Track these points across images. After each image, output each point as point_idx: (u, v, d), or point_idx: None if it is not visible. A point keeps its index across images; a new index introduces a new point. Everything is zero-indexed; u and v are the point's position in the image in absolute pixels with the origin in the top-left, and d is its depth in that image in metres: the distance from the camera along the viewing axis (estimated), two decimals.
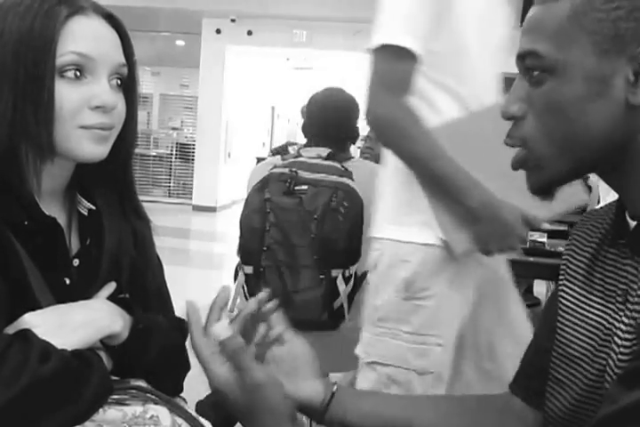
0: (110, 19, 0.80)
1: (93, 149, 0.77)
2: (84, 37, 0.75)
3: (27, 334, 0.69)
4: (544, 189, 0.67)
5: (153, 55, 9.39)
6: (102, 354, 0.77)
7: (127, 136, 0.84)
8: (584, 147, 0.62)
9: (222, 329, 0.73)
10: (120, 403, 0.86)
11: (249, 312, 0.79)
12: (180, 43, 9.91)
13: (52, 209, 0.81)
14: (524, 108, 0.65)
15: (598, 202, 4.42)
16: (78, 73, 0.75)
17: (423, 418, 0.82)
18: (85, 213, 0.85)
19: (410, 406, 0.86)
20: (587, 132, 0.62)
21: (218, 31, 8.32)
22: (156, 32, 9.34)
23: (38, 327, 0.71)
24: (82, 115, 0.75)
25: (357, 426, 0.80)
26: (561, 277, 0.78)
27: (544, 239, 2.52)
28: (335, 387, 0.82)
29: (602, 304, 0.70)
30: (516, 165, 0.68)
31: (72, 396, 0.69)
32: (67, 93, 0.74)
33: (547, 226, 3.97)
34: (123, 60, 0.80)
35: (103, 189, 0.86)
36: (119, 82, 0.80)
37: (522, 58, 0.65)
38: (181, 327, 0.89)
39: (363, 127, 2.78)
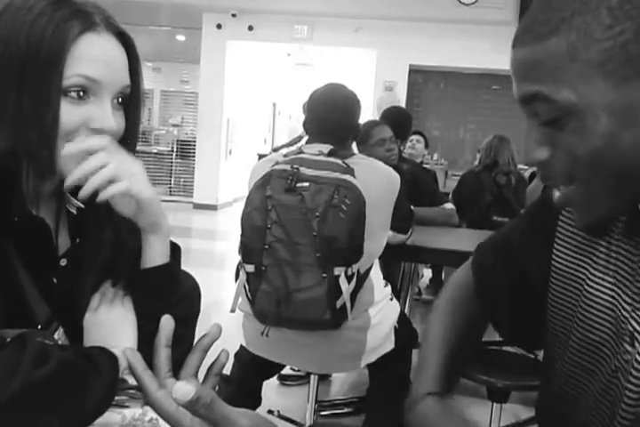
0: (121, 36, 0.78)
1: None
2: (92, 60, 0.73)
3: (23, 337, 0.67)
4: (595, 227, 0.65)
5: (153, 50, 9.37)
6: (117, 352, 0.74)
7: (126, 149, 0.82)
8: (627, 178, 0.59)
9: (185, 389, 0.60)
10: (119, 405, 0.85)
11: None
12: (180, 38, 9.88)
13: (40, 207, 0.80)
14: (547, 151, 0.62)
15: None
16: (82, 93, 0.73)
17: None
18: (74, 212, 0.84)
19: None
20: (625, 163, 0.58)
21: (218, 26, 8.30)
22: (156, 26, 9.32)
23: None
24: (77, 133, 0.74)
25: None
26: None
27: None
28: None
29: (613, 291, 0.68)
30: (563, 204, 0.65)
31: (70, 402, 0.67)
32: (68, 113, 0.73)
33: None
34: (128, 81, 0.78)
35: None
36: (121, 99, 0.78)
37: (527, 102, 0.61)
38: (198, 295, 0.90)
39: (377, 132, 2.74)
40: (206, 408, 0.61)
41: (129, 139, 0.81)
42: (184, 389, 0.60)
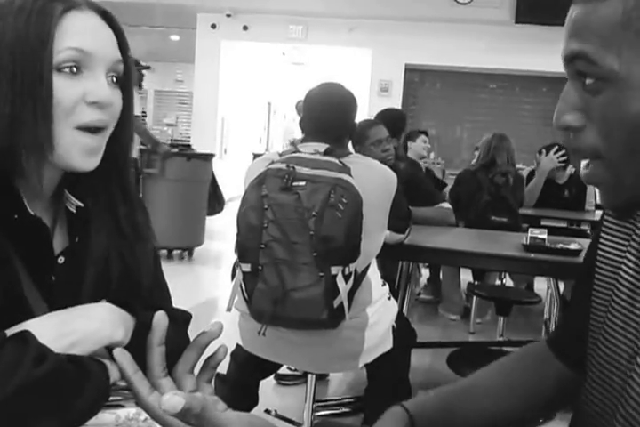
0: (104, 15, 0.79)
1: (83, 160, 0.77)
2: (80, 33, 0.75)
3: (25, 336, 0.67)
4: (623, 207, 0.61)
5: (147, 50, 9.34)
6: (108, 362, 0.73)
7: (122, 137, 0.82)
8: None
9: (173, 400, 0.58)
10: (113, 405, 0.84)
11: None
12: (174, 38, 9.86)
13: (38, 206, 0.79)
14: (581, 118, 0.58)
15: (595, 197, 4.44)
16: (75, 69, 0.74)
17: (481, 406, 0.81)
18: (73, 211, 0.83)
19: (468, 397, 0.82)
20: None
21: (213, 26, 8.29)
22: (150, 27, 9.30)
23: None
24: (78, 111, 0.74)
25: None
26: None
27: (544, 236, 2.49)
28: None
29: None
30: (590, 181, 0.61)
31: (65, 402, 0.67)
32: (64, 89, 0.73)
33: (546, 223, 3.97)
34: (119, 56, 0.79)
35: (94, 187, 0.84)
36: (115, 79, 0.79)
37: (569, 60, 0.58)
38: (186, 321, 0.87)
39: (374, 133, 2.74)
40: (197, 418, 0.59)
41: (123, 121, 0.81)
42: (172, 400, 0.57)
